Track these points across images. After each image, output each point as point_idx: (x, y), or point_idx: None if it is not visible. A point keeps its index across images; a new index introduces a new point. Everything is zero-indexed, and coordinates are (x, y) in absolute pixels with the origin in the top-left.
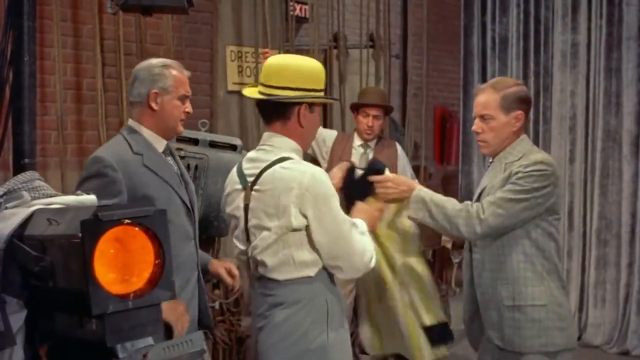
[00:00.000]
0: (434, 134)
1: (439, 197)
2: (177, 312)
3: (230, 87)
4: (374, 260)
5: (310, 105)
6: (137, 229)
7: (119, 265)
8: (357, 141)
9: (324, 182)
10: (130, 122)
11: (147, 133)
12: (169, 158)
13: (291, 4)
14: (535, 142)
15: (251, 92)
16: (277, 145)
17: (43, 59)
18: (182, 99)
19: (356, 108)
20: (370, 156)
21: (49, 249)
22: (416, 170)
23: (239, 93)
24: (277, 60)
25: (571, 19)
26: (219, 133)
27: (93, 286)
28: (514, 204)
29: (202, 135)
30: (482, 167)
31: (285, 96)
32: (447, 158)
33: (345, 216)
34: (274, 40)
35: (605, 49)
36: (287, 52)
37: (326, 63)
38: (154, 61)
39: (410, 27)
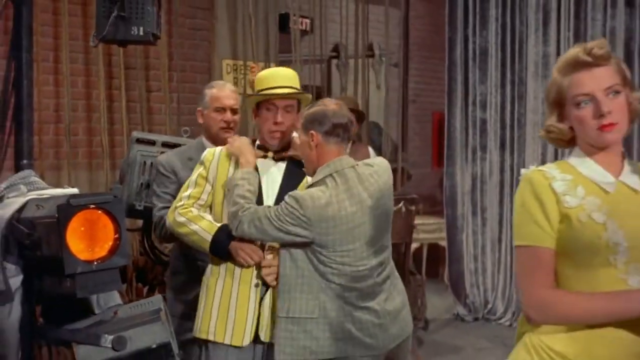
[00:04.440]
0: (431, 138)
1: (247, 188)
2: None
3: None
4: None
5: (257, 107)
6: (100, 212)
7: (86, 239)
8: None
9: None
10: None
11: (205, 142)
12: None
13: (294, 18)
14: (511, 147)
15: None
16: None
17: (57, 73)
18: (218, 110)
19: None
20: None
21: (37, 227)
22: (395, 171)
23: None
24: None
25: (542, 32)
26: None
27: (66, 254)
28: (270, 224)
29: (183, 140)
30: (464, 169)
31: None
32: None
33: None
34: (267, 53)
35: None
36: (281, 63)
37: (328, 73)
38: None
39: (411, 37)
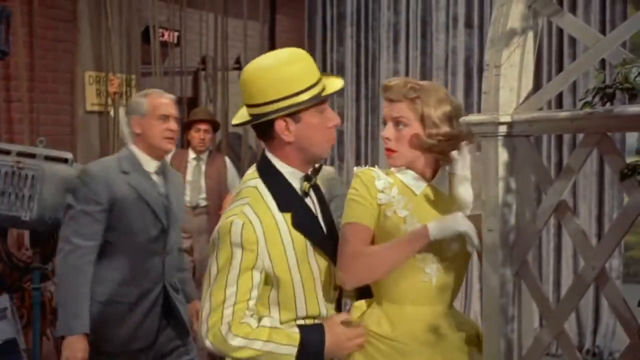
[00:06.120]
0: None
1: None
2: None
3: (89, 108)
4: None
5: (294, 114)
6: None
7: None
8: (191, 154)
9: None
10: (129, 145)
11: (137, 153)
12: (159, 178)
13: (160, 30)
14: (365, 157)
15: (238, 117)
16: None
17: None
18: (162, 118)
19: (189, 125)
20: (203, 167)
21: None
22: None
23: (98, 113)
24: (247, 74)
25: (393, 50)
26: (79, 148)
27: None
28: None
29: (39, 150)
30: None
31: (249, 120)
32: None
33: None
34: (130, 65)
35: (420, 76)
36: (143, 75)
37: (195, 85)
38: (137, 94)
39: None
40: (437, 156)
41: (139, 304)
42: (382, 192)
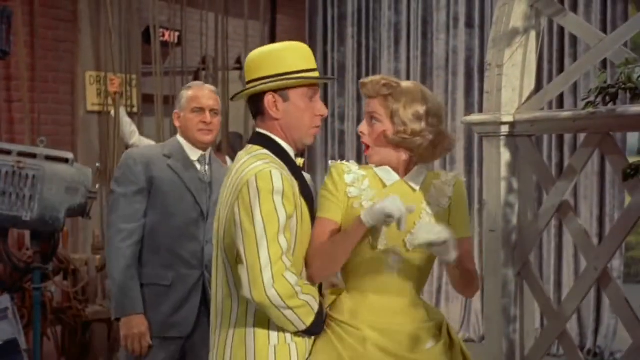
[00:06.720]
0: None
1: None
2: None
3: (90, 108)
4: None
5: (282, 91)
6: None
7: None
8: None
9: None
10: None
11: (182, 142)
12: (202, 167)
13: (160, 30)
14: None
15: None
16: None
17: None
18: (196, 111)
19: None
20: None
21: None
22: None
23: (98, 113)
24: (251, 55)
25: (394, 50)
26: (79, 148)
27: None
28: None
29: (39, 150)
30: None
31: (242, 90)
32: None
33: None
34: (130, 65)
35: (420, 76)
36: (144, 75)
37: None
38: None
39: None
40: (409, 153)
41: (174, 287)
42: (352, 185)
